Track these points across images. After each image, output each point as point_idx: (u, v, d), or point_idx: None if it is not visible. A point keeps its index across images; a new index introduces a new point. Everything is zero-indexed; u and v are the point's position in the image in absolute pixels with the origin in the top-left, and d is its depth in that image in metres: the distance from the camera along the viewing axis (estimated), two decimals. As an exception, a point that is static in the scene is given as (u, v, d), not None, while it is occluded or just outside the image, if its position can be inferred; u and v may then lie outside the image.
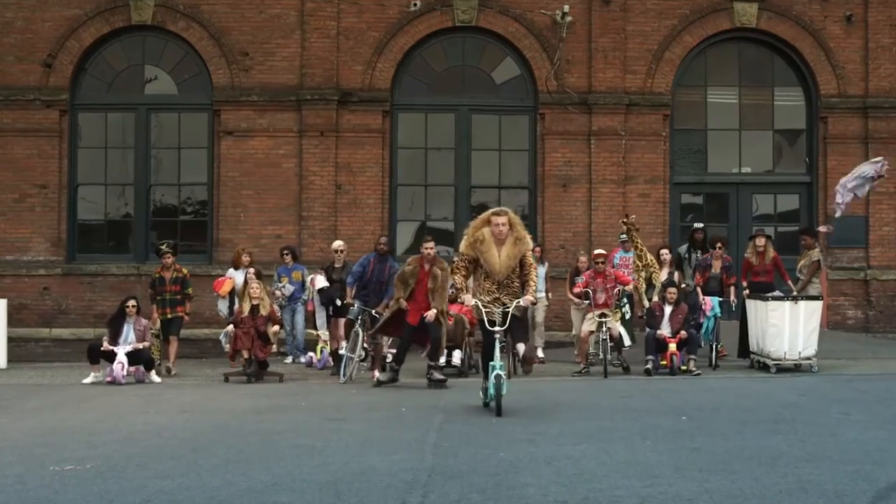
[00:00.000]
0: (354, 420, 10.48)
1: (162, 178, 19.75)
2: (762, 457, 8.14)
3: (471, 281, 11.34)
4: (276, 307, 15.27)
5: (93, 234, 19.87)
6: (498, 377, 10.35)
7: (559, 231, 19.16)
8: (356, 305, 14.46)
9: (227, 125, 19.28)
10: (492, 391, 10.52)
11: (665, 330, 15.14)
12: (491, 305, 10.61)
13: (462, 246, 10.78)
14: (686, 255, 16.96)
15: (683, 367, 14.87)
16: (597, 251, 15.83)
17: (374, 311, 14.33)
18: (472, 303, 10.58)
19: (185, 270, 16.12)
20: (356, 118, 19.28)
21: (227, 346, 14.83)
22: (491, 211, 10.86)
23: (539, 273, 14.91)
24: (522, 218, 18.37)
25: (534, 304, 10.93)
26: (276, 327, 14.81)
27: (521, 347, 10.96)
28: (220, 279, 16.50)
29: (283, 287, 16.76)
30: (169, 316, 15.88)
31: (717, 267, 16.07)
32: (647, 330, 15.29)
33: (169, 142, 19.72)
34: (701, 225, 17.30)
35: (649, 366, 14.90)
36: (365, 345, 14.66)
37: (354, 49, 19.37)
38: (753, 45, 19.86)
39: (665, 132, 19.47)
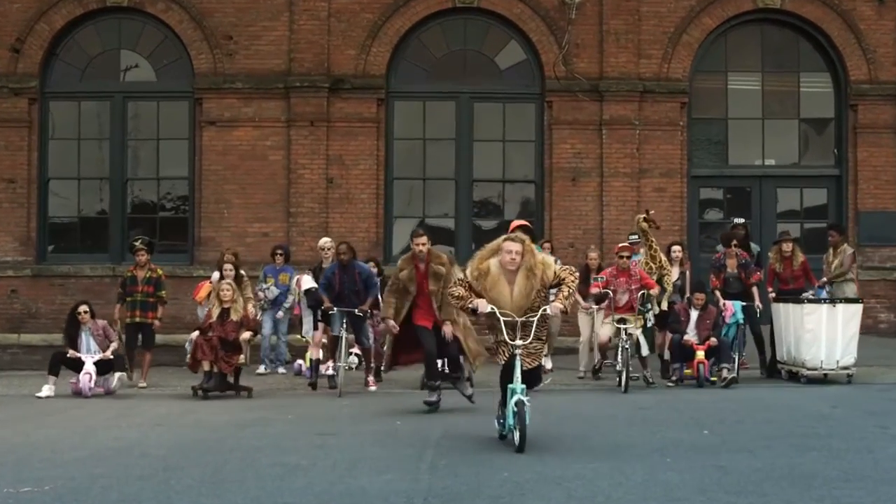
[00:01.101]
0: (344, 435, 10.34)
1: (139, 171, 19.68)
2: (794, 476, 7.95)
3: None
4: (251, 310, 14.76)
5: (65, 232, 19.79)
6: (520, 404, 8.99)
7: (568, 228, 19.03)
8: (335, 310, 13.96)
9: (210, 114, 19.18)
10: (511, 420, 9.14)
11: (693, 336, 14.64)
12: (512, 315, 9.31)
13: (468, 273, 9.56)
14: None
15: (713, 378, 14.33)
16: (621, 244, 15.16)
17: (356, 311, 13.87)
18: (488, 309, 9.25)
19: (160, 271, 15.74)
20: (349, 107, 19.17)
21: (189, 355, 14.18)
22: (504, 237, 9.56)
23: None
24: (528, 215, 18.46)
25: (564, 311, 9.45)
26: (249, 334, 14.18)
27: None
28: (200, 283, 16.06)
29: (268, 289, 16.42)
30: (138, 320, 15.45)
31: (731, 266, 15.47)
32: (670, 335, 14.79)
33: (147, 132, 19.63)
34: (742, 220, 16.79)
35: (674, 377, 14.40)
36: (354, 350, 14.31)
37: (347, 32, 19.27)
38: (777, 27, 19.79)
39: (682, 122, 19.37)
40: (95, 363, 14.30)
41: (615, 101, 19.20)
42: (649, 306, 14.72)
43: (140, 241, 15.73)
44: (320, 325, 14.39)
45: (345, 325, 13.87)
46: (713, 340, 14.51)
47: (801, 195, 19.84)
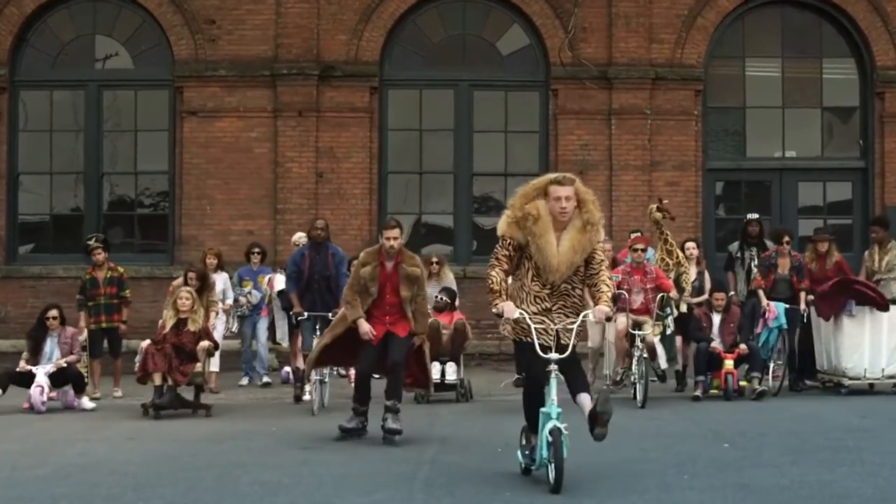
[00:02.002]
0: (331, 450, 10.18)
1: (116, 165, 19.53)
2: (825, 496, 7.74)
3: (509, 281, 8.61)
4: (213, 323, 14.06)
5: (37, 230, 19.70)
6: (556, 432, 7.74)
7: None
8: (307, 316, 13.41)
9: (191, 104, 19.08)
10: (545, 453, 7.86)
11: (717, 343, 14.09)
12: (544, 319, 8.14)
13: (502, 225, 8.19)
14: (738, 254, 16.01)
15: (743, 382, 13.79)
16: (635, 235, 14.66)
17: (330, 315, 13.04)
18: (516, 315, 7.99)
19: (121, 269, 15.43)
20: (340, 96, 19.08)
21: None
22: (550, 176, 8.27)
23: None
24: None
25: (609, 318, 8.37)
26: (208, 343, 13.41)
27: (584, 400, 8.09)
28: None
29: (249, 293, 15.94)
30: (104, 325, 15.10)
31: (784, 266, 14.79)
32: (695, 344, 14.15)
33: (124, 124, 19.53)
34: (756, 216, 16.41)
35: (699, 391, 13.78)
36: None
37: (338, 16, 19.19)
38: (798, 9, 19.70)
39: (697, 111, 19.30)
40: (49, 375, 13.67)
41: (625, 88, 19.11)
42: (669, 311, 14.17)
43: (94, 238, 15.38)
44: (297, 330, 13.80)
45: (318, 333, 13.09)
46: (743, 347, 13.96)
47: (824, 189, 19.71)
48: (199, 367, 13.21)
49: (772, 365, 14.38)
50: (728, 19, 19.46)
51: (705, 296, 15.08)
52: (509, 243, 8.18)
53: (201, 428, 11.86)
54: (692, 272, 15.02)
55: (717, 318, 14.19)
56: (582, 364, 8.55)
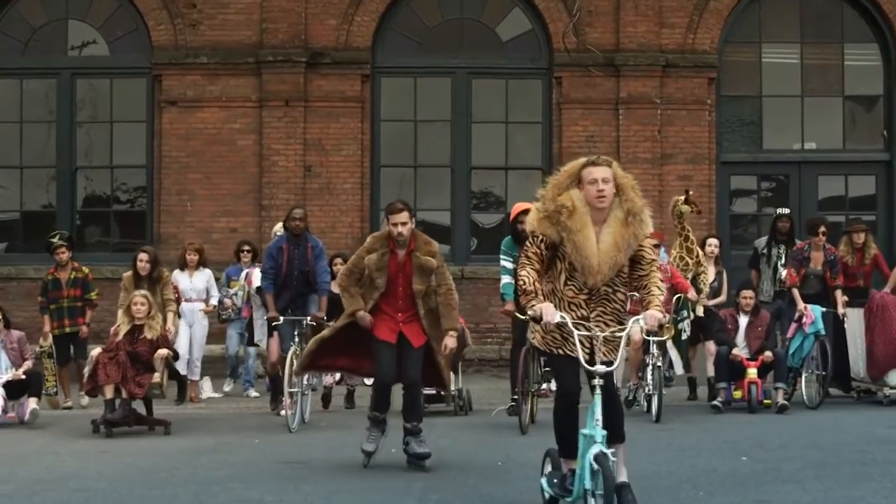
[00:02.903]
0: (318, 465, 10.11)
1: (91, 159, 19.53)
2: None
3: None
4: (170, 327, 13.53)
5: (5, 228, 19.69)
6: (602, 458, 6.99)
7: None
8: (282, 321, 13.00)
9: (171, 93, 19.04)
10: (587, 483, 7.08)
11: (741, 349, 13.81)
12: (586, 327, 7.39)
13: (532, 220, 7.54)
14: (765, 252, 15.80)
15: (767, 401, 13.48)
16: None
17: (308, 320, 12.84)
18: (557, 318, 7.17)
19: (86, 269, 15.19)
20: (329, 84, 19.04)
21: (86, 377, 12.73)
22: (584, 160, 7.55)
23: None
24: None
25: (662, 326, 7.60)
26: (165, 351, 12.81)
27: (618, 459, 7.38)
28: None
29: (235, 294, 15.66)
30: (68, 330, 14.88)
31: (817, 261, 14.46)
32: (716, 349, 13.85)
33: (99, 114, 19.54)
34: (787, 211, 16.24)
35: (719, 400, 13.50)
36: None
37: None
38: None
39: (710, 100, 19.25)
40: (4, 385, 13.17)
41: (633, 76, 19.05)
42: (685, 314, 13.88)
43: (58, 236, 15.09)
44: (276, 333, 13.29)
45: (297, 339, 12.73)
46: (768, 355, 13.69)
47: (846, 183, 19.68)
48: (156, 377, 12.54)
49: (804, 375, 14.01)
50: (743, 2, 19.42)
51: (722, 297, 14.86)
52: (541, 240, 7.40)
53: (179, 440, 11.75)
54: (710, 272, 14.74)
55: (743, 321, 13.88)
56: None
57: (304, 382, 12.67)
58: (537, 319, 7.22)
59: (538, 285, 7.33)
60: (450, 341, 9.70)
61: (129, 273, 14.13)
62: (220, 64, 18.92)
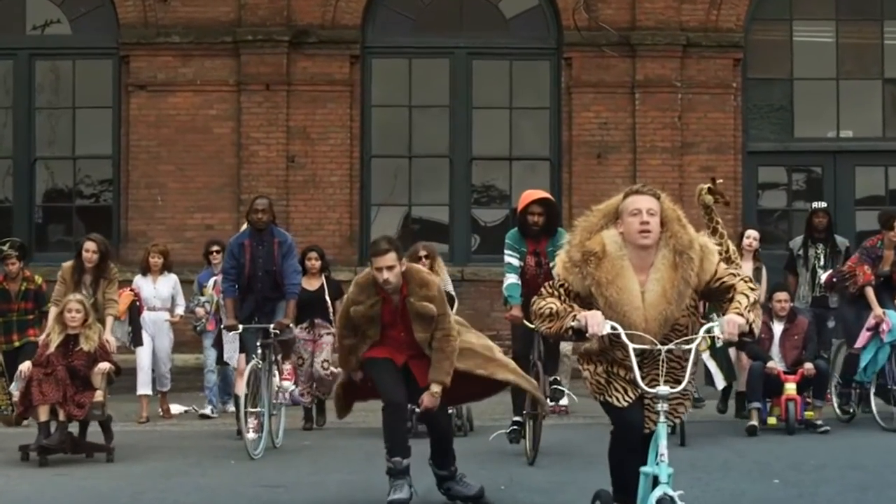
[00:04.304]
0: (301, 487, 10.08)
1: (51, 148, 19.54)
2: None
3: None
4: (111, 340, 12.78)
5: None
6: (667, 502, 6.55)
7: None
8: (241, 329, 12.49)
9: (139, 76, 19.01)
10: None
11: (777, 361, 13.46)
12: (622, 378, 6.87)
13: (559, 265, 7.04)
14: (801, 253, 15.60)
15: (811, 413, 13.16)
16: None
17: (271, 328, 12.35)
18: (606, 329, 6.65)
19: (39, 279, 14.68)
20: (314, 66, 19.02)
21: (16, 396, 12.06)
22: (626, 191, 7.06)
23: None
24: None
25: (750, 334, 6.83)
26: (106, 365, 12.09)
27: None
28: (119, 291, 15.16)
29: (204, 303, 15.35)
30: (17, 344, 14.49)
31: (887, 260, 13.89)
32: (750, 362, 13.52)
33: (61, 100, 19.53)
34: (823, 205, 15.97)
35: (755, 420, 13.11)
36: (284, 386, 12.78)
37: None
38: None
39: (736, 83, 19.24)
40: None
41: (651, 57, 19.05)
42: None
43: (8, 244, 14.62)
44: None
45: (260, 350, 12.19)
46: (808, 367, 13.31)
47: (886, 175, 19.66)
48: (98, 396, 11.83)
49: (872, 389, 13.59)
50: (773, -25, 19.61)
51: (760, 297, 14.60)
52: (561, 285, 6.86)
53: (146, 460, 11.67)
54: (747, 269, 14.43)
55: (778, 329, 13.61)
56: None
57: (275, 400, 12.37)
58: (581, 333, 6.67)
59: (565, 305, 6.77)
60: (427, 398, 8.79)
61: (71, 264, 13.14)
62: (193, 44, 18.89)
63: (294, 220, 18.56)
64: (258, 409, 11.87)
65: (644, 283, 6.78)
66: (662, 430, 6.63)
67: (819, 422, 13.12)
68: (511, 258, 11.61)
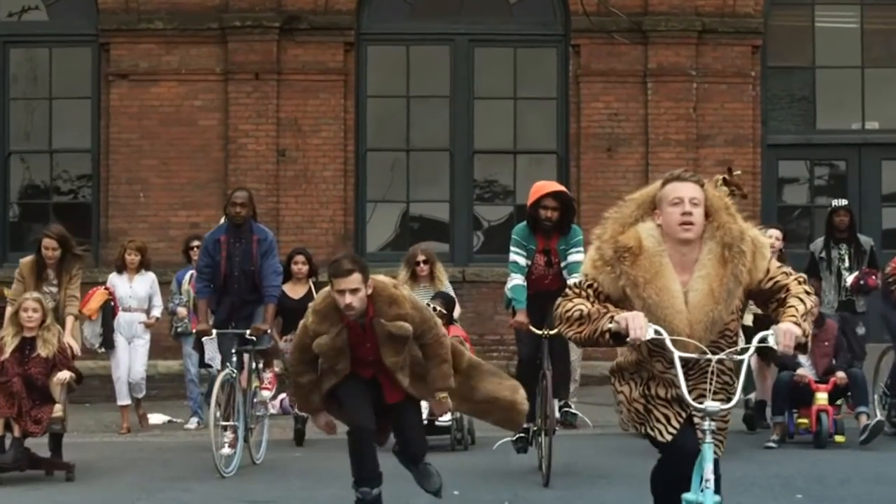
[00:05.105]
0: (290, 502, 10.17)
1: (27, 142, 19.57)
2: None
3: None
4: (73, 343, 12.45)
5: None
6: None
7: (602, 215, 18.20)
8: (214, 335, 12.26)
9: (120, 65, 19.00)
10: None
11: (807, 369, 13.26)
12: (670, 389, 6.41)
13: (587, 265, 6.55)
14: (823, 256, 15.54)
15: (840, 437, 12.85)
16: None
17: (247, 333, 12.07)
18: (650, 333, 6.16)
19: (6, 291, 14.52)
20: (306, 54, 19.02)
21: None
22: (665, 178, 6.56)
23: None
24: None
25: (802, 346, 6.24)
26: (66, 374, 11.69)
27: None
28: (91, 290, 15.10)
29: (184, 302, 15.23)
30: None
31: None
32: (774, 371, 13.41)
33: (37, 90, 19.56)
34: (844, 202, 15.82)
35: (774, 439, 12.88)
36: (263, 396, 12.42)
37: None
38: None
39: (755, 71, 19.23)
40: None
41: (664, 44, 19.05)
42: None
43: None
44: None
45: (236, 357, 11.90)
46: (840, 376, 13.14)
47: None
48: (57, 410, 11.42)
49: None
50: (793, -43, 19.64)
51: None
52: (590, 285, 6.38)
53: (126, 474, 11.61)
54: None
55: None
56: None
57: (258, 413, 12.19)
58: (621, 338, 6.20)
59: (597, 307, 6.29)
60: (437, 406, 8.78)
61: (30, 260, 12.75)
62: (178, 30, 18.89)
63: (284, 218, 18.64)
64: (232, 423, 11.56)
65: (686, 282, 6.33)
66: (708, 452, 6.16)
67: (865, 422, 12.78)
68: (517, 256, 11.11)
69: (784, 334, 6.11)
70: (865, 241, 15.37)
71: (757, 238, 6.39)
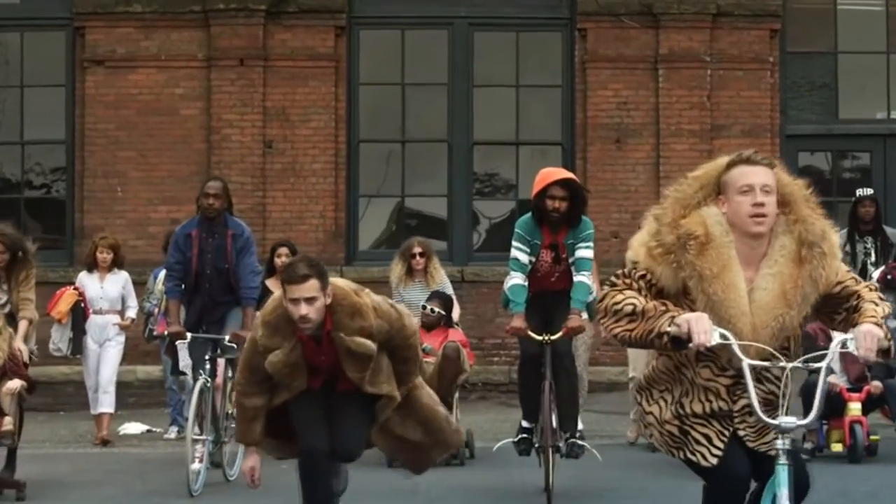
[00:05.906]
0: None
1: None
2: None
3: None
4: (23, 348, 12.09)
5: None
6: None
7: (610, 210, 18.79)
8: (189, 338, 12.07)
9: (96, 50, 19.05)
10: None
11: (838, 376, 13.05)
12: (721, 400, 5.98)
13: (638, 250, 6.08)
14: (847, 249, 15.52)
15: (874, 437, 12.73)
16: None
17: (226, 340, 11.85)
18: (716, 338, 5.72)
19: None
20: (295, 38, 19.09)
21: None
22: (729, 158, 6.09)
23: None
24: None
25: (886, 350, 5.93)
26: (18, 382, 11.40)
27: None
28: (61, 290, 15.03)
29: (154, 301, 15.11)
30: None
31: None
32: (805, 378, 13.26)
33: (8, 77, 19.61)
34: (870, 192, 15.97)
35: (809, 445, 12.69)
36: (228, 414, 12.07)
37: None
38: None
39: (773, 57, 19.25)
40: None
41: (676, 28, 19.09)
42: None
43: None
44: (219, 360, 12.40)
45: (209, 364, 11.69)
46: (875, 384, 12.94)
47: None
48: (7, 424, 11.15)
49: None
50: (814, -64, 19.73)
51: None
52: (642, 276, 5.94)
53: (102, 487, 11.59)
54: None
55: (837, 337, 13.21)
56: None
57: (233, 425, 11.95)
58: (681, 342, 5.74)
59: (647, 301, 5.84)
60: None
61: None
62: (157, 14, 18.92)
63: (272, 214, 18.75)
64: (203, 437, 11.36)
65: (751, 279, 5.91)
66: (784, 474, 5.70)
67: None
68: (519, 253, 10.62)
69: (866, 337, 5.77)
70: (892, 233, 15.41)
71: (830, 237, 6.00)
